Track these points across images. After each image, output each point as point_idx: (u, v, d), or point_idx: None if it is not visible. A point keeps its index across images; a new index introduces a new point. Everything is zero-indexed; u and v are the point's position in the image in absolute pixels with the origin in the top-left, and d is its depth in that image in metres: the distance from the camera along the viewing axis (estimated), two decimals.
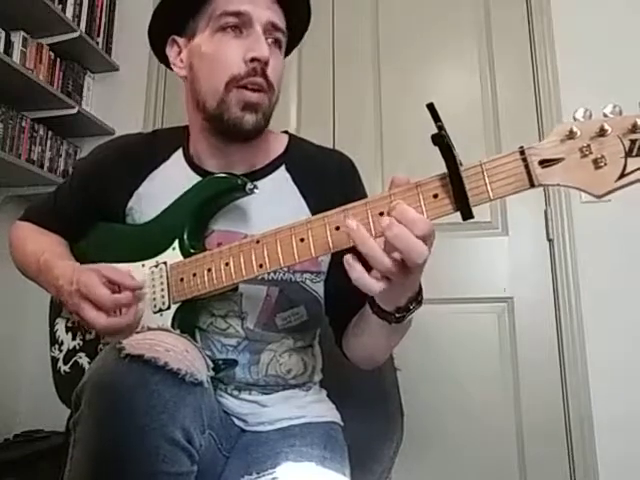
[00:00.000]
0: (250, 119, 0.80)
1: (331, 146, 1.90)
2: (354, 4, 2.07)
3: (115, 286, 0.76)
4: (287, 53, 0.93)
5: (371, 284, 0.58)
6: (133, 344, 0.60)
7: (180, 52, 0.87)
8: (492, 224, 1.79)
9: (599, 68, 1.77)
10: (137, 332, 0.66)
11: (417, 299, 0.66)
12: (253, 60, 0.78)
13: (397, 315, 0.66)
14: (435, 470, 1.67)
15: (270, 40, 0.82)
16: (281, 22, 0.84)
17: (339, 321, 0.87)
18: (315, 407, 0.88)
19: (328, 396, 0.94)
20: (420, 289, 0.66)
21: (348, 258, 0.58)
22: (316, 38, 2.03)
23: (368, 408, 1.01)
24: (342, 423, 0.91)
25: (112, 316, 0.75)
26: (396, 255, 0.56)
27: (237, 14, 0.80)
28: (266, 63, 0.79)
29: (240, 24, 0.80)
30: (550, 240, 1.75)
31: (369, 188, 0.95)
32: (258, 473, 0.74)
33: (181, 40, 0.87)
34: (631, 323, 1.63)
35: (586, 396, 1.62)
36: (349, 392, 0.97)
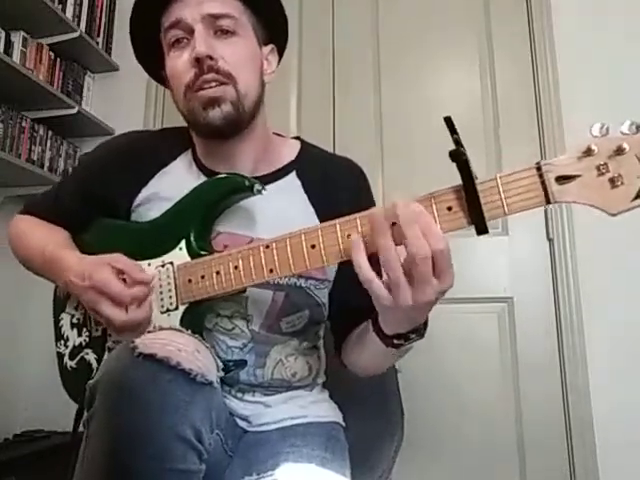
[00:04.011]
0: (215, 114, 0.79)
1: (331, 146, 1.91)
2: (354, 4, 2.07)
3: (126, 277, 0.75)
4: (274, 23, 0.89)
5: (368, 272, 0.59)
6: (146, 343, 0.61)
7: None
8: (492, 224, 1.77)
9: (599, 68, 1.77)
10: (149, 331, 0.66)
11: (420, 332, 0.67)
12: (196, 61, 0.78)
13: (395, 342, 0.67)
14: (435, 470, 1.67)
15: (217, 32, 0.80)
16: (223, 8, 0.80)
17: (340, 333, 0.88)
18: (317, 407, 0.89)
19: (329, 396, 0.94)
20: (426, 323, 0.67)
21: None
22: (316, 38, 2.03)
23: (368, 408, 1.01)
24: (344, 424, 0.91)
25: (129, 311, 0.73)
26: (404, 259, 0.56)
27: (175, 24, 0.80)
28: (210, 57, 0.78)
29: (184, 33, 0.80)
30: (550, 240, 1.75)
31: None
32: (258, 474, 0.74)
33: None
34: (631, 323, 1.63)
35: (586, 396, 1.62)
36: (350, 393, 0.96)
